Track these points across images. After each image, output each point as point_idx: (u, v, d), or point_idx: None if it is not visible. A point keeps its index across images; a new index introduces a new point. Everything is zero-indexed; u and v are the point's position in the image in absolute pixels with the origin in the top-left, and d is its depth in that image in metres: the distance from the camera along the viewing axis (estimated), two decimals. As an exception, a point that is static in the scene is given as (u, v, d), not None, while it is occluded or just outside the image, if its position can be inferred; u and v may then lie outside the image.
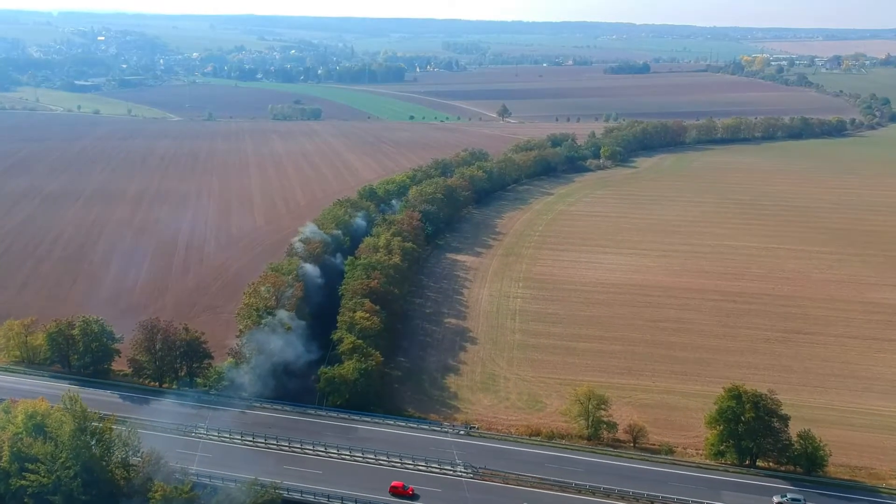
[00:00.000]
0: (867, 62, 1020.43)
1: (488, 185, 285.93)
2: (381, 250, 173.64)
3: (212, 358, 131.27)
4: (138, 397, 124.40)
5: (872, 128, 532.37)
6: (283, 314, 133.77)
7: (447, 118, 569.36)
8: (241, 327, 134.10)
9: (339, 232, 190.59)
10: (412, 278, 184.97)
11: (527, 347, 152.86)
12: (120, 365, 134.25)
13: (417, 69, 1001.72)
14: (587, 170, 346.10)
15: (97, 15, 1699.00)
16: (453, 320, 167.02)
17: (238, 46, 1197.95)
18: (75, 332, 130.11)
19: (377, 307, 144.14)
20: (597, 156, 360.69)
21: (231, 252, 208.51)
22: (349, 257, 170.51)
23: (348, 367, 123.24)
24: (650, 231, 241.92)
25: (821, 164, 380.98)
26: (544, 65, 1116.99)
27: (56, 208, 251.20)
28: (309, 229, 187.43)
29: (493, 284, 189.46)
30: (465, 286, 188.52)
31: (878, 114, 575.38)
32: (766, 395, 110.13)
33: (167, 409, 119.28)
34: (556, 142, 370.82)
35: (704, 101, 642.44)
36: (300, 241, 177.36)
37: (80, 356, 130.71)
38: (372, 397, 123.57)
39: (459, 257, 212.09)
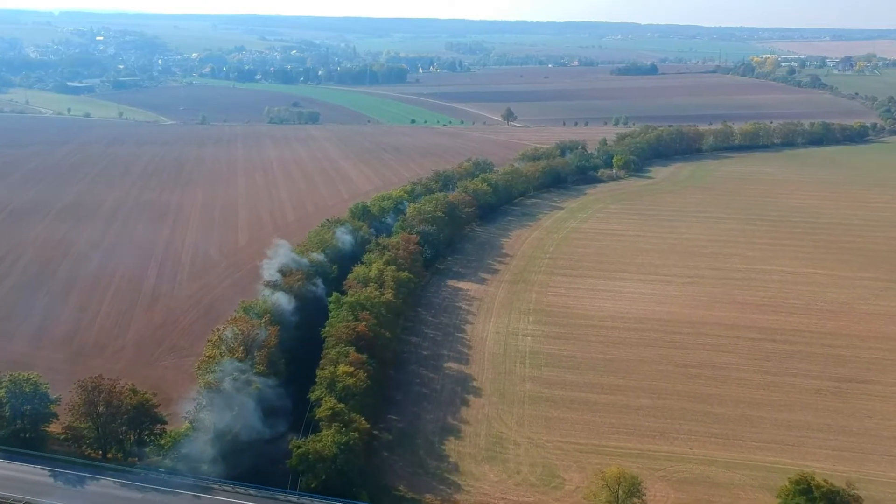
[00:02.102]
0: (880, 63, 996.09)
1: (493, 199, 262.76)
2: (371, 283, 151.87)
3: (165, 423, 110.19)
4: (73, 475, 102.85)
5: (895, 132, 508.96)
6: (249, 370, 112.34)
7: (450, 122, 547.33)
8: (200, 384, 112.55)
9: (325, 258, 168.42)
10: (407, 313, 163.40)
11: (539, 401, 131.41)
12: (60, 427, 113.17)
13: (420, 70, 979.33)
14: (599, 180, 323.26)
15: (98, 14, 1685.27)
16: (454, 365, 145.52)
17: (238, 46, 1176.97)
18: (1, 393, 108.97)
19: (364, 357, 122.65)
20: (609, 165, 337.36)
21: (207, 278, 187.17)
22: (334, 293, 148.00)
23: (326, 440, 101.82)
24: (672, 252, 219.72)
25: (848, 174, 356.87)
26: (549, 65, 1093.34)
27: (21, 225, 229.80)
28: (281, 252, 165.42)
29: (499, 319, 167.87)
30: (467, 321, 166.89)
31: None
32: (843, 490, 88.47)
33: (106, 491, 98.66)
34: (565, 150, 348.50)
35: (716, 104, 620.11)
36: (279, 271, 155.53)
37: (9, 423, 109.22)
38: (354, 476, 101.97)
39: (461, 285, 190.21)
